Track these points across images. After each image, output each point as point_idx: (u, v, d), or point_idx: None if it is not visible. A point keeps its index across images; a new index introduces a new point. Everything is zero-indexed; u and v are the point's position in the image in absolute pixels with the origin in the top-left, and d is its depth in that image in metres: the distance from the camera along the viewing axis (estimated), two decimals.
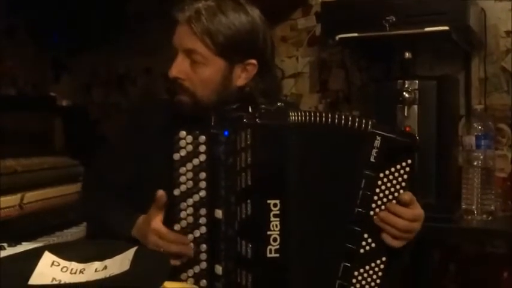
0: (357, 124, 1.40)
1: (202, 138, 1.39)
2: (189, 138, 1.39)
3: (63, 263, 1.17)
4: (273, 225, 1.33)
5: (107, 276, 1.12)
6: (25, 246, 1.94)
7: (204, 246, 1.39)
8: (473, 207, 2.30)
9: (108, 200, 1.62)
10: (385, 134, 1.40)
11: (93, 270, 1.15)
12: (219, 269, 1.37)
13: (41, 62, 3.15)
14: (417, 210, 1.43)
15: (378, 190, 1.40)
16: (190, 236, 1.39)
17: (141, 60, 3.23)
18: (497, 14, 2.58)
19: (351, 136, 1.41)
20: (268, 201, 1.33)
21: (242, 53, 1.54)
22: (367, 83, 2.71)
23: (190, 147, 1.39)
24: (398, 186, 1.40)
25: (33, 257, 1.17)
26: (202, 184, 1.39)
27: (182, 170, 1.38)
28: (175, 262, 1.37)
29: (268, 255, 1.33)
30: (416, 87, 2.31)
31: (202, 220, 1.39)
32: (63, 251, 1.20)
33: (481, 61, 2.61)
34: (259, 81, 1.58)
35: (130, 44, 3.19)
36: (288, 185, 1.36)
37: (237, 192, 1.34)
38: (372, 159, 1.39)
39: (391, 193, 1.41)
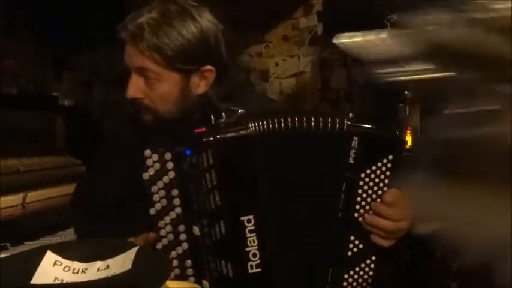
0: (330, 125, 1.35)
1: (168, 155, 1.35)
2: (155, 157, 1.35)
3: (66, 262, 1.17)
4: (250, 241, 1.31)
5: (109, 275, 1.12)
6: (27, 245, 1.94)
7: (189, 262, 1.37)
8: None
9: (95, 223, 1.60)
10: (362, 132, 1.35)
11: (95, 270, 1.15)
12: (206, 285, 1.35)
13: (42, 61, 3.15)
14: (403, 210, 1.38)
15: (360, 191, 1.36)
16: (173, 253, 1.37)
17: None
18: None
19: (325, 139, 1.37)
20: (242, 218, 1.31)
21: (196, 61, 1.48)
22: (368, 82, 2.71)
23: (157, 166, 1.35)
24: (381, 184, 1.37)
25: (35, 257, 1.17)
26: (177, 201, 1.36)
27: (154, 188, 1.36)
28: None
29: (250, 271, 1.32)
30: None
31: (183, 237, 1.37)
32: (65, 251, 1.20)
33: None
34: (219, 86, 1.52)
35: None
36: (259, 198, 1.33)
37: (208, 213, 1.32)
38: (351, 161, 1.35)
39: (374, 192, 1.37)
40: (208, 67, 1.50)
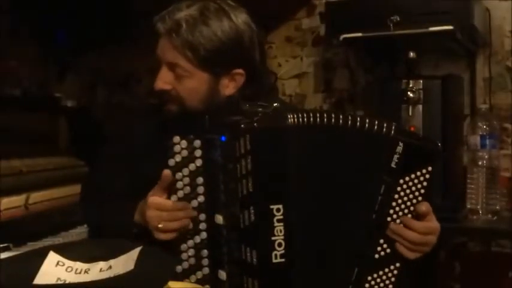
0: (376, 127, 1.36)
1: (198, 142, 1.35)
2: (184, 143, 1.35)
3: (68, 262, 1.18)
4: (277, 231, 1.30)
5: (112, 276, 1.13)
6: (30, 246, 1.95)
7: (205, 252, 1.37)
8: (478, 206, 2.30)
9: (107, 202, 1.59)
10: (408, 140, 1.36)
11: (97, 270, 1.16)
12: (223, 275, 1.35)
13: (45, 62, 3.15)
14: (432, 223, 1.40)
15: (396, 196, 1.36)
16: (191, 242, 1.37)
17: (145, 59, 3.22)
18: (502, 13, 2.58)
19: (370, 140, 1.37)
20: (271, 207, 1.30)
21: (227, 64, 1.49)
22: (371, 83, 2.71)
23: (185, 153, 1.35)
24: (417, 193, 1.37)
25: (38, 257, 1.18)
26: (200, 189, 1.36)
27: (178, 175, 1.35)
28: (174, 236, 1.36)
29: (274, 260, 1.30)
30: (421, 86, 2.31)
31: (202, 226, 1.37)
32: (68, 251, 1.20)
33: (485, 60, 2.61)
34: (249, 88, 1.53)
35: (135, 43, 3.19)
36: (291, 188, 1.32)
37: (238, 199, 1.31)
38: (393, 165, 1.35)
39: (410, 200, 1.37)
40: (239, 71, 1.51)
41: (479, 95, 2.62)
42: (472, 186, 2.31)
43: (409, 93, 2.29)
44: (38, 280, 1.13)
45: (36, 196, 2.16)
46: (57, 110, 2.71)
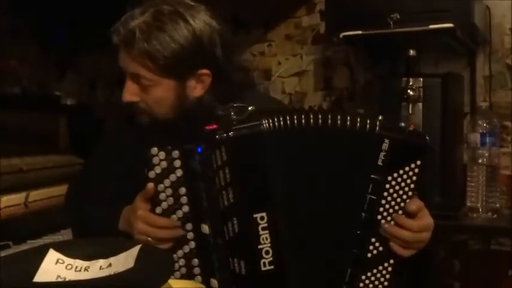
0: (359, 124, 1.32)
1: (176, 153, 1.32)
2: (162, 155, 1.32)
3: (68, 260, 1.17)
4: (263, 239, 1.29)
5: (112, 273, 1.13)
6: (30, 244, 1.95)
7: (196, 261, 1.35)
8: (478, 204, 2.30)
9: (90, 207, 1.56)
10: (394, 136, 1.32)
11: (97, 268, 1.15)
12: (215, 283, 1.33)
13: (45, 61, 3.15)
14: (425, 220, 1.37)
15: (385, 194, 1.34)
16: (180, 252, 1.35)
17: None
18: (502, 11, 2.58)
19: (354, 138, 1.33)
20: (255, 216, 1.28)
21: (189, 66, 1.45)
22: (371, 81, 2.71)
23: (164, 164, 1.32)
24: (407, 189, 1.34)
25: (37, 255, 1.17)
26: (184, 199, 1.33)
27: (160, 187, 1.33)
28: (165, 247, 1.34)
29: (263, 268, 1.29)
30: (421, 84, 2.31)
31: (190, 235, 1.34)
32: (67, 249, 1.20)
33: (485, 58, 2.61)
34: (217, 88, 1.49)
35: None
36: (272, 195, 1.30)
37: (220, 211, 1.29)
38: (380, 163, 1.32)
39: (400, 196, 1.34)
40: (204, 71, 1.47)
41: (479, 93, 2.62)
42: (472, 184, 2.31)
43: (409, 91, 2.29)
44: (37, 278, 1.13)
45: (36, 194, 2.17)
46: (57, 108, 2.72)
